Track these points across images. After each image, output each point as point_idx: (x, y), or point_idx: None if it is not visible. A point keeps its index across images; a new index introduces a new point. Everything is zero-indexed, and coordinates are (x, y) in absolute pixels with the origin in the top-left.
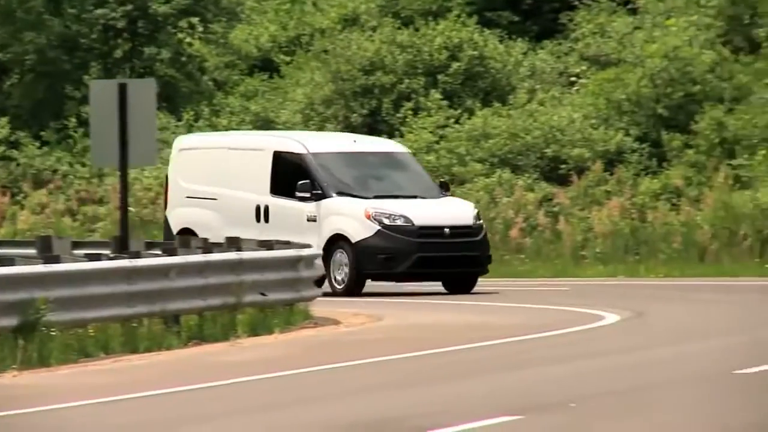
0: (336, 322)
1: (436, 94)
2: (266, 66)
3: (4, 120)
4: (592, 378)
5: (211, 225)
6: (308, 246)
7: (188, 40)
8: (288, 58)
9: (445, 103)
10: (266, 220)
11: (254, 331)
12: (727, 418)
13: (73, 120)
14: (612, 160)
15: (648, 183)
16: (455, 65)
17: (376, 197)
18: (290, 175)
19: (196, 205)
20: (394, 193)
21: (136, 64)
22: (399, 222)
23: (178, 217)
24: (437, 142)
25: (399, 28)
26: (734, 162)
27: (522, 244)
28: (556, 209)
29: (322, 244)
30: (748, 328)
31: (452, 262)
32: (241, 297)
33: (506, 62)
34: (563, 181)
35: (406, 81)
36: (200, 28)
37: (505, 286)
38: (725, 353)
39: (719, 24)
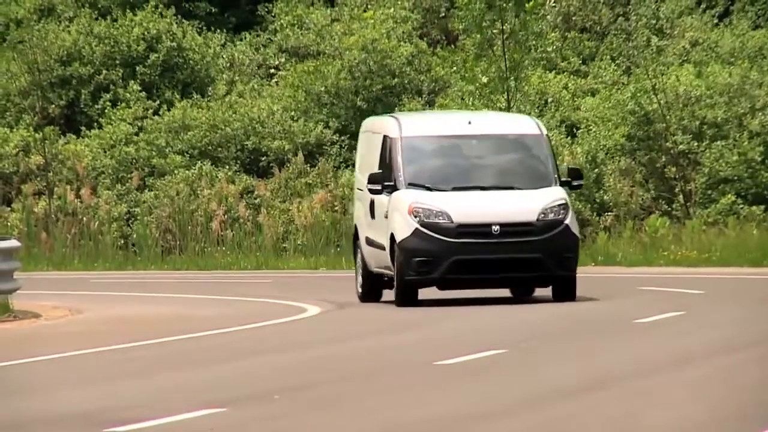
0: (36, 316)
1: (134, 86)
2: None
3: None
4: (295, 370)
5: (361, 220)
6: (6, 238)
7: None
8: None
9: (143, 94)
10: (372, 215)
11: None
12: (427, 407)
13: None
14: (312, 153)
15: (348, 175)
16: (153, 56)
17: (454, 189)
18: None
19: (357, 198)
20: (483, 184)
21: None
22: (437, 219)
23: (355, 211)
24: (136, 134)
25: (96, 19)
26: None
27: (224, 236)
28: (257, 201)
29: (387, 245)
30: (448, 320)
31: (502, 266)
32: None
33: (205, 54)
34: (264, 173)
35: (104, 72)
36: None
37: (207, 279)
38: (427, 345)
39: (416, 17)
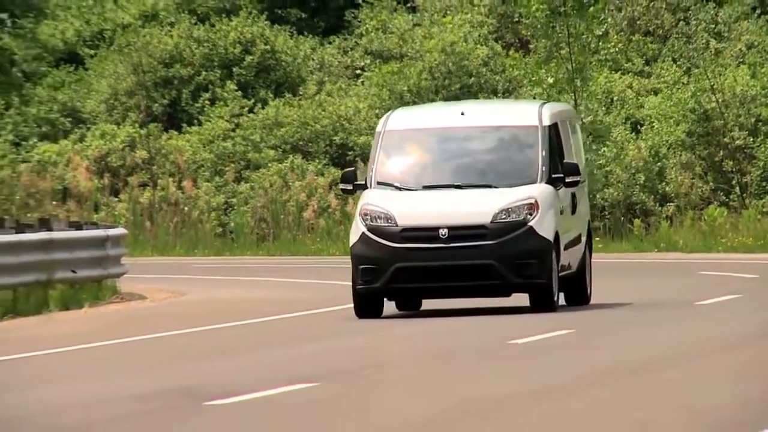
0: (142, 298)
1: (231, 85)
2: (72, 59)
3: None
4: (381, 348)
5: None
6: (114, 226)
7: None
8: (92, 52)
9: (239, 93)
10: None
11: (65, 305)
12: (498, 385)
13: None
14: None
15: None
16: (248, 58)
17: (425, 188)
18: None
19: None
20: (458, 182)
21: None
22: (383, 223)
23: None
24: (233, 130)
25: (195, 24)
26: None
27: (314, 224)
28: None
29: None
30: (520, 302)
31: (449, 274)
32: (52, 274)
33: (296, 56)
34: (351, 167)
35: (204, 73)
36: (9, 23)
37: (299, 264)
38: (501, 324)
39: (491, 21)
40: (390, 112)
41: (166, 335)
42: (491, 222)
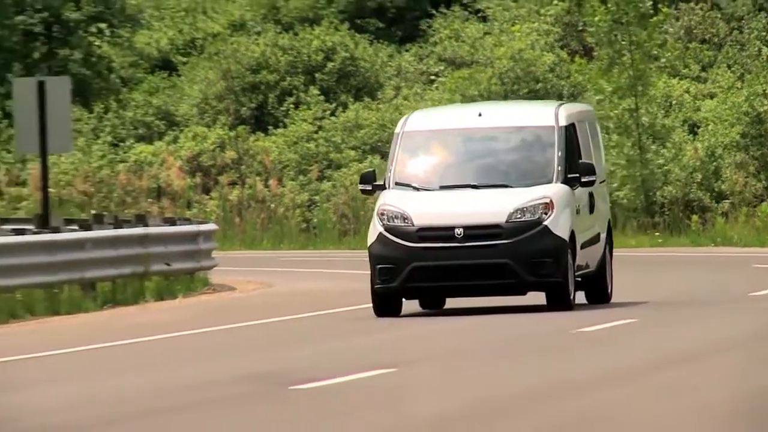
0: (232, 289)
1: (314, 90)
2: (166, 65)
3: None
4: (454, 334)
5: None
6: (206, 222)
7: (97, 43)
8: (184, 59)
9: (321, 98)
10: None
11: (160, 296)
12: (557, 372)
13: None
14: None
15: None
16: (330, 65)
17: (442, 188)
18: None
19: None
20: (475, 182)
21: (53, 64)
22: (399, 223)
23: None
24: (316, 132)
25: (280, 33)
26: None
27: None
28: None
29: None
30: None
31: (465, 273)
32: (148, 266)
33: (374, 63)
34: None
35: (288, 79)
36: (108, 33)
37: None
38: (566, 316)
39: (557, 30)
40: (409, 113)
41: (255, 324)
42: (506, 221)
